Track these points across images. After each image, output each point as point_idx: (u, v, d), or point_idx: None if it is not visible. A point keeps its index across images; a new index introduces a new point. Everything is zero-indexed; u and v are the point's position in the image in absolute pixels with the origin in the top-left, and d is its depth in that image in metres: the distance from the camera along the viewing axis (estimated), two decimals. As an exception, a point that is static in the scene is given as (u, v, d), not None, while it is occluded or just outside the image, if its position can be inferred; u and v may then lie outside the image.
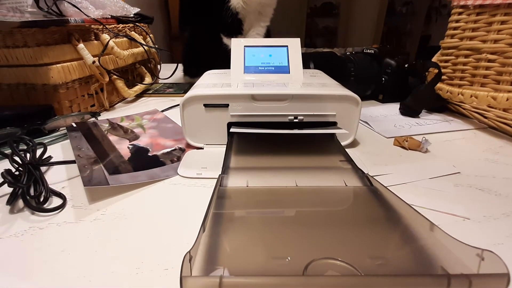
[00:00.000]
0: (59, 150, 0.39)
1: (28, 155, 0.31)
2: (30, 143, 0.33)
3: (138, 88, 0.62)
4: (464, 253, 0.15)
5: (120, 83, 0.56)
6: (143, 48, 0.64)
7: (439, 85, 0.51)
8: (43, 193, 0.27)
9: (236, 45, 0.45)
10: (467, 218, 0.25)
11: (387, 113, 0.52)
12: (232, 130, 0.34)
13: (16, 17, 0.42)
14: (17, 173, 0.28)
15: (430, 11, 3.15)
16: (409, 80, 0.55)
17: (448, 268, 0.14)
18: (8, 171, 0.26)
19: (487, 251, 0.14)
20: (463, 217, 0.26)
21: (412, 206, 0.27)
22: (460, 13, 0.49)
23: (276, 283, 0.13)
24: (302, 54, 0.46)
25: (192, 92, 0.36)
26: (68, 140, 0.41)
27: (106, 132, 0.41)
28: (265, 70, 0.44)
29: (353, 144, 0.39)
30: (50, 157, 0.34)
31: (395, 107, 0.54)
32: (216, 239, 0.17)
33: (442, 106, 0.52)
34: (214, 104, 0.36)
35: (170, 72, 0.76)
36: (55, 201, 0.27)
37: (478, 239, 0.23)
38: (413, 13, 3.26)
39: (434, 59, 0.55)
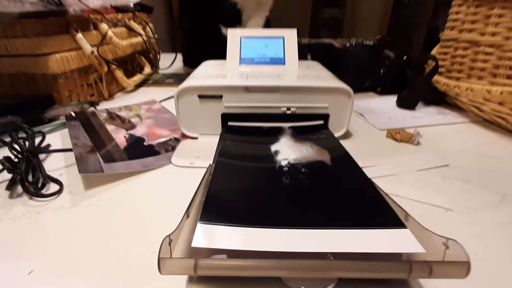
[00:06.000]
0: (58, 138, 0.40)
1: (27, 143, 0.32)
2: (29, 132, 0.34)
3: (138, 78, 0.62)
4: (432, 242, 0.15)
5: (119, 73, 0.57)
6: (142, 38, 0.64)
7: (436, 77, 0.51)
8: (41, 179, 0.28)
9: (232, 35, 0.45)
10: (450, 209, 0.26)
11: (383, 106, 0.52)
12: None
13: (17, 8, 0.43)
14: (16, 160, 0.29)
15: (438, 1, 3.07)
16: (407, 73, 0.55)
17: (414, 256, 0.15)
18: (7, 158, 0.27)
19: (452, 240, 0.15)
20: (446, 208, 0.26)
21: (398, 196, 0.28)
22: (460, 5, 0.48)
23: (250, 265, 0.14)
24: (300, 45, 0.46)
25: (186, 83, 0.36)
26: (67, 129, 0.42)
27: (104, 121, 0.42)
28: (261, 61, 0.44)
29: (346, 135, 0.40)
30: (49, 145, 0.35)
31: (392, 99, 0.54)
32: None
33: (439, 99, 0.52)
34: (208, 95, 0.36)
35: (171, 62, 0.76)
36: (53, 187, 0.29)
37: (458, 230, 0.24)
38: (421, 3, 3.18)
39: (434, 51, 0.55)
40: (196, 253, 0.15)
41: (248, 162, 0.28)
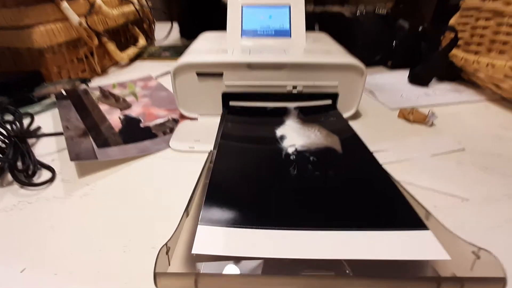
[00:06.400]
0: (49, 119, 0.37)
1: (14, 126, 0.30)
2: (17, 113, 0.31)
3: (132, 51, 0.58)
4: (459, 249, 0.14)
5: (111, 46, 0.53)
6: (134, 6, 0.59)
7: (454, 51, 0.47)
8: (31, 166, 0.26)
9: (232, 3, 0.41)
10: (466, 199, 0.24)
11: (394, 81, 0.49)
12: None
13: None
14: (3, 145, 0.27)
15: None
16: (421, 45, 0.51)
17: (439, 266, 0.13)
18: (-8, 144, 0.26)
19: (484, 250, 0.13)
20: (462, 197, 0.25)
21: (411, 184, 0.26)
22: (486, -32, 0.43)
23: (258, 281, 0.13)
24: (307, 14, 0.42)
25: (183, 59, 0.33)
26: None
27: (97, 100, 0.40)
28: (264, 33, 0.40)
29: (355, 116, 0.37)
30: (39, 128, 0.33)
31: (404, 74, 0.51)
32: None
33: (455, 75, 0.48)
34: (207, 73, 0.33)
35: (167, 32, 0.71)
36: (45, 174, 0.27)
37: (475, 222, 0.22)
38: (435, -35, 2.96)
39: (452, 21, 0.50)
40: (197, 259, 0.14)
41: (252, 150, 0.26)
